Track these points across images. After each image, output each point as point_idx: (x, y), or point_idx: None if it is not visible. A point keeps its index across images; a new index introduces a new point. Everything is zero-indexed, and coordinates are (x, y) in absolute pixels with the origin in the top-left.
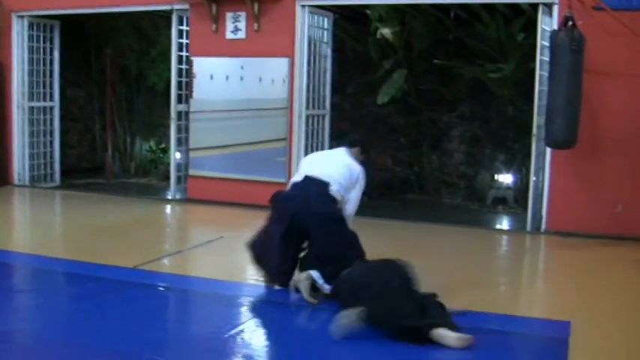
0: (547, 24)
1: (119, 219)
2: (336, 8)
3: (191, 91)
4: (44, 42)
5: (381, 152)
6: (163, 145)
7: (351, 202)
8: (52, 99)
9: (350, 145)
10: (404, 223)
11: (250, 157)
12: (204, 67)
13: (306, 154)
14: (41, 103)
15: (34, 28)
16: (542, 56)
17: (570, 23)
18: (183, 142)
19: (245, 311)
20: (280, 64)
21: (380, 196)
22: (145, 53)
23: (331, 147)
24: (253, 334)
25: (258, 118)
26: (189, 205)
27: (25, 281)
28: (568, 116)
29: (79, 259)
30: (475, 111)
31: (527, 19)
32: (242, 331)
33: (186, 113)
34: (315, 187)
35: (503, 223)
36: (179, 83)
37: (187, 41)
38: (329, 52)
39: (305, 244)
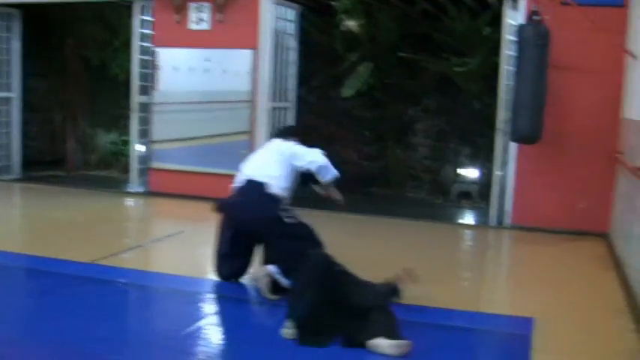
0: (513, 18)
1: (79, 212)
2: (302, 0)
3: (154, 83)
4: (3, 31)
5: (347, 146)
6: (125, 138)
7: (311, 163)
8: (10, 89)
9: (286, 136)
10: (367, 217)
11: (213, 149)
12: (168, 58)
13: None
14: None
15: None
16: (507, 50)
17: (537, 18)
18: (146, 135)
19: (204, 308)
20: (244, 56)
21: (344, 190)
22: (107, 44)
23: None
24: (212, 332)
25: (221, 110)
26: (151, 199)
27: None
28: (533, 111)
29: (36, 253)
30: (441, 105)
31: (493, 13)
32: (201, 328)
33: (149, 105)
34: (253, 191)
35: (467, 218)
36: (141, 74)
37: (150, 32)
38: (294, 44)
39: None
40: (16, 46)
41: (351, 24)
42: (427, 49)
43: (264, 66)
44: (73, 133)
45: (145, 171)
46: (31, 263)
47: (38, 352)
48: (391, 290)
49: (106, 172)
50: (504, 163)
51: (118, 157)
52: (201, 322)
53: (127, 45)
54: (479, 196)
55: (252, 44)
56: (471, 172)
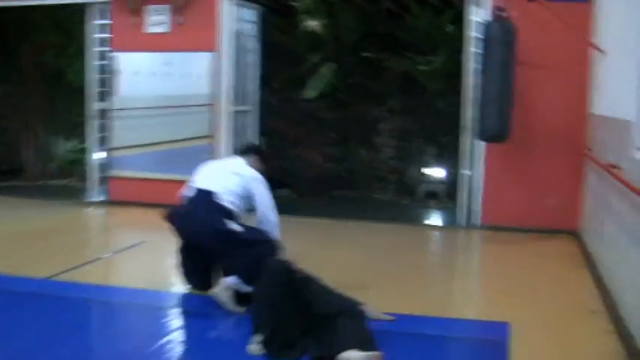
0: (477, 15)
1: (36, 224)
2: (262, 0)
3: (111, 88)
4: None
5: (311, 148)
6: (85, 145)
7: (262, 212)
8: None
9: (245, 153)
10: (332, 221)
11: (175, 155)
12: (127, 62)
13: (232, 151)
14: None
15: None
16: (471, 48)
17: (502, 14)
18: (105, 142)
19: (169, 323)
20: (204, 59)
21: (309, 194)
22: (63, 49)
23: (259, 143)
24: (177, 349)
25: (182, 114)
26: (112, 208)
27: None
28: (500, 109)
29: None
30: (405, 105)
31: (457, 10)
32: (165, 345)
33: (106, 111)
34: (203, 202)
35: (435, 219)
36: (100, 80)
37: (107, 36)
38: (255, 45)
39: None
40: None
41: (313, 24)
42: (390, 48)
43: (225, 69)
44: (31, 141)
45: (105, 179)
46: None
47: None
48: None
49: (66, 181)
50: (472, 162)
51: (78, 166)
52: (166, 339)
53: (83, 50)
54: (446, 196)
55: (212, 47)
56: (437, 172)
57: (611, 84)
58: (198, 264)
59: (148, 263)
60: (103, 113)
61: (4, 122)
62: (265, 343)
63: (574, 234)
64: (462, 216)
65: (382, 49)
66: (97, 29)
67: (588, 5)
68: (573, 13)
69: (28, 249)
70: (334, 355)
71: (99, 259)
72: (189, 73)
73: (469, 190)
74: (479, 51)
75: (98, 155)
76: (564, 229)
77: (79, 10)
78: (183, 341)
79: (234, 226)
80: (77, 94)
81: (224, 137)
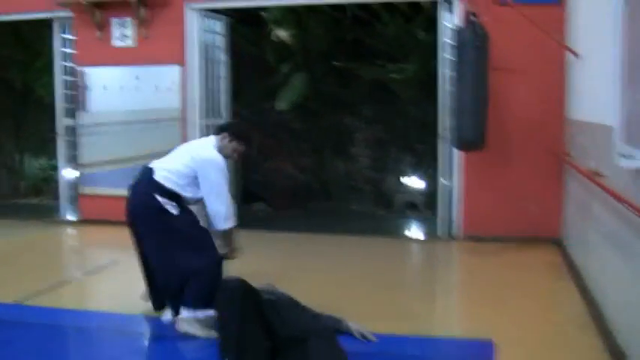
0: (448, 20)
1: (3, 245)
2: (230, 11)
3: (78, 104)
4: None
5: (284, 159)
6: (55, 163)
7: (205, 198)
8: None
9: (217, 132)
10: (306, 236)
11: None
12: (93, 77)
13: None
14: None
15: None
16: (444, 53)
17: (474, 19)
18: (74, 159)
19: (141, 349)
20: (171, 72)
21: (284, 206)
22: (29, 64)
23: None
24: None
25: (151, 129)
26: (83, 227)
27: None
28: (474, 116)
29: None
30: (378, 113)
31: (427, 16)
32: None
33: (74, 128)
34: (142, 179)
35: (414, 230)
36: (67, 95)
37: (72, 50)
38: (224, 57)
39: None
40: None
41: (282, 34)
42: (361, 56)
43: (193, 81)
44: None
45: (75, 197)
46: None
47: None
48: (335, 322)
49: (37, 199)
50: (449, 172)
51: (49, 184)
52: None
53: (50, 65)
54: (425, 205)
55: (178, 59)
56: (414, 182)
57: (589, 88)
58: (149, 277)
59: (121, 284)
60: (72, 129)
61: None
62: None
63: (556, 242)
64: (441, 227)
65: (352, 58)
66: (62, 44)
67: (561, 8)
68: (546, 17)
69: None
70: None
71: (69, 281)
72: (156, 87)
73: (448, 200)
74: (452, 57)
75: (68, 172)
76: (546, 237)
77: (43, 25)
78: None
79: (170, 208)
80: (45, 110)
81: None
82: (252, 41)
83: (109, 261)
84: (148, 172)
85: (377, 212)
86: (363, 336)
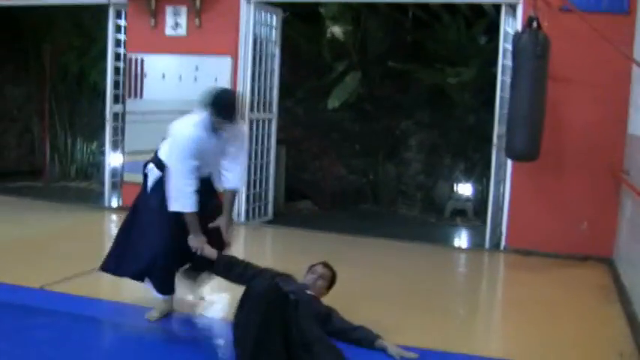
0: (510, 26)
1: (43, 229)
2: (286, 5)
3: (127, 91)
4: None
5: (335, 160)
6: (104, 148)
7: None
8: None
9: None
10: (352, 238)
11: None
12: (143, 64)
13: (249, 159)
14: None
15: None
16: (504, 60)
17: (535, 25)
18: (121, 146)
19: (159, 343)
20: (223, 64)
21: (331, 207)
22: (86, 50)
23: (278, 153)
24: None
25: None
26: (124, 214)
27: None
28: (530, 126)
29: None
30: (434, 118)
31: (489, 21)
32: None
33: (122, 114)
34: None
35: (461, 239)
36: (117, 82)
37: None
38: (277, 51)
39: None
40: None
41: (336, 30)
42: (419, 59)
43: (244, 74)
44: (50, 142)
45: (119, 184)
46: None
47: None
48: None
49: (86, 183)
50: (500, 181)
51: (98, 169)
52: None
53: (105, 52)
54: (474, 213)
55: (230, 51)
56: (465, 189)
57: None
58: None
59: None
60: (121, 116)
61: (27, 123)
62: None
63: (606, 261)
64: (488, 238)
65: (410, 60)
66: (115, 30)
67: (630, 18)
68: (613, 26)
69: (26, 255)
70: None
71: (97, 269)
72: (205, 78)
73: (498, 211)
74: (511, 64)
75: (113, 159)
76: (596, 256)
77: (100, 11)
78: None
79: (149, 173)
80: (99, 96)
81: None
82: (307, 37)
83: None
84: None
85: (425, 218)
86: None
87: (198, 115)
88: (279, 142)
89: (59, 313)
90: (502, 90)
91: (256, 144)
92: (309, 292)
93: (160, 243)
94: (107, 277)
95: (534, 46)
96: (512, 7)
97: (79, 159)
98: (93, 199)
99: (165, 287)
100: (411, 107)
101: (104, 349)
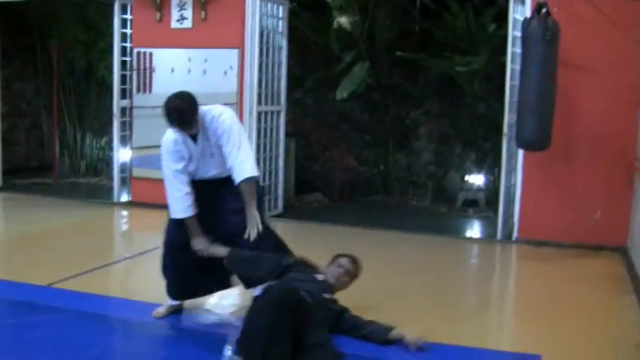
0: (519, 13)
1: (52, 225)
2: None
3: (133, 85)
4: None
5: (343, 150)
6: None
7: None
8: None
9: None
10: (362, 230)
11: None
12: (149, 58)
13: (258, 152)
14: None
15: None
16: (513, 48)
17: (544, 11)
18: (129, 141)
19: (165, 344)
20: (229, 56)
21: (341, 198)
22: (92, 44)
23: (287, 145)
24: None
25: None
26: (133, 210)
27: None
28: (540, 114)
29: None
30: (444, 107)
31: (499, 9)
32: None
33: (130, 109)
34: None
35: (473, 230)
36: (124, 77)
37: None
38: (284, 43)
39: None
40: None
41: (343, 20)
42: (428, 47)
43: (251, 66)
44: (59, 138)
45: (128, 179)
46: None
47: None
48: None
49: (96, 179)
50: (512, 171)
51: (108, 164)
52: None
53: (112, 46)
54: (486, 204)
55: (237, 43)
56: (477, 179)
57: None
58: None
59: (157, 272)
60: (128, 111)
61: (36, 118)
62: None
63: (620, 250)
64: (500, 228)
65: (419, 49)
66: (121, 24)
67: None
68: (625, 13)
69: (34, 252)
70: None
71: (106, 265)
72: (212, 71)
73: (510, 201)
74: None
75: (122, 154)
76: (609, 246)
77: (107, 5)
78: None
79: None
80: (107, 90)
81: (248, 138)
82: (314, 28)
83: (152, 247)
84: None
85: (437, 209)
86: (418, 346)
87: None
88: (288, 134)
89: (66, 310)
90: (512, 78)
91: (265, 137)
92: (326, 279)
93: (164, 246)
94: (116, 274)
95: (544, 31)
96: None
97: (88, 154)
98: (102, 194)
99: (172, 291)
100: (420, 96)
101: (112, 347)
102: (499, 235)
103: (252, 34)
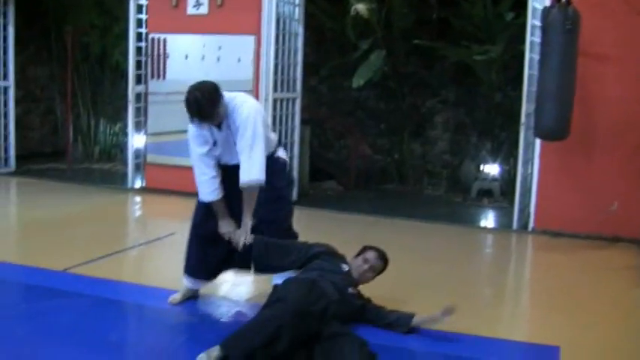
0: (538, 1)
1: (66, 211)
2: None
3: (148, 71)
4: None
5: (359, 138)
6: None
7: None
8: (6, 78)
9: None
10: (377, 219)
11: None
12: (164, 44)
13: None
14: None
15: None
16: (532, 37)
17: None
18: (143, 127)
19: (180, 331)
20: (245, 43)
21: (355, 186)
22: (108, 30)
23: (302, 133)
24: None
25: None
26: (147, 196)
27: None
28: (559, 104)
29: (2, 259)
30: (460, 96)
31: None
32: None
33: (145, 95)
34: None
35: (488, 220)
36: (139, 62)
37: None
38: (300, 30)
39: None
40: (10, 32)
41: (360, 7)
42: (445, 36)
43: (267, 53)
44: (73, 123)
45: (142, 165)
46: None
47: None
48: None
49: (110, 164)
50: (528, 161)
51: (122, 149)
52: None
53: (127, 32)
54: (501, 194)
55: (253, 30)
56: (492, 169)
57: None
58: None
59: (173, 258)
60: (143, 96)
61: (50, 104)
62: None
63: (637, 242)
64: (516, 218)
65: (436, 37)
66: (137, 10)
67: None
68: None
69: (50, 238)
70: None
71: (121, 251)
72: (228, 58)
73: (526, 191)
74: (539, 40)
75: (136, 140)
76: (626, 237)
77: None
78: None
79: None
80: (122, 76)
81: None
82: (331, 15)
83: (166, 233)
84: None
85: (452, 198)
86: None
87: None
88: (303, 121)
89: (82, 295)
90: (530, 67)
91: (280, 124)
92: (349, 269)
93: (191, 224)
94: (130, 260)
95: (564, 20)
96: None
97: (102, 140)
98: (116, 180)
99: (188, 267)
100: (436, 85)
101: (128, 332)
102: (515, 225)
103: (269, 21)
